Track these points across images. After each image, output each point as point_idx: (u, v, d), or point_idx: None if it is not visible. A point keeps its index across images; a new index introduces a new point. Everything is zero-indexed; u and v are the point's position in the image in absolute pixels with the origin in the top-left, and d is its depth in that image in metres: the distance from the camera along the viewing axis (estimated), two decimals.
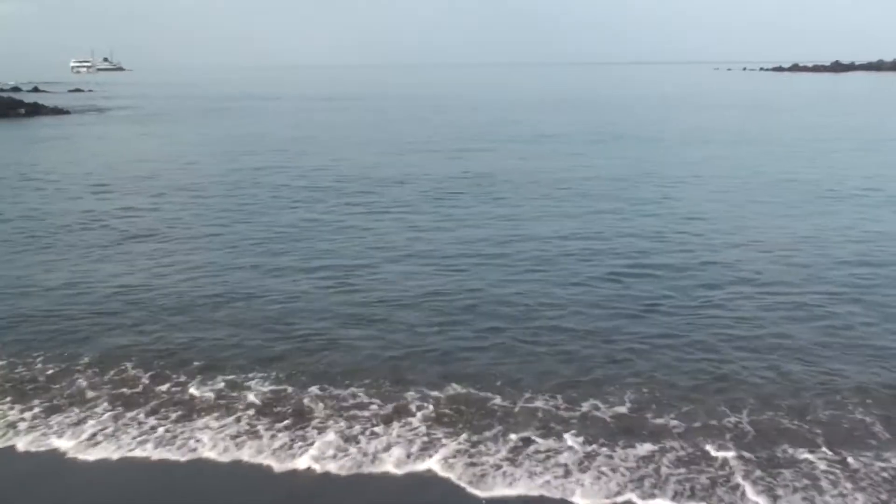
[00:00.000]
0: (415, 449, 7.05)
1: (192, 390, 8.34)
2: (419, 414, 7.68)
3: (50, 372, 8.87)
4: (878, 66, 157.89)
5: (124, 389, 8.38)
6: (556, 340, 9.62)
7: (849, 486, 6.42)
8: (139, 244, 15.01)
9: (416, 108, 59.42)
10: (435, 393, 8.13)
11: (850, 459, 6.78)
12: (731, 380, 8.44)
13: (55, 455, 7.16)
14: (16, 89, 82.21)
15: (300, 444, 7.19)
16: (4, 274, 12.97)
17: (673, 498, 6.29)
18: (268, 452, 7.07)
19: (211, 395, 8.22)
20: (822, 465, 6.70)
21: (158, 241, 15.28)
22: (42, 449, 7.25)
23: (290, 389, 8.30)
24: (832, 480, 6.49)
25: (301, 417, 7.66)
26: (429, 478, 6.66)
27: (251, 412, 7.80)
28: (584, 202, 18.80)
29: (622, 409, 7.71)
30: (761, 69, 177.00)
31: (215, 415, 7.77)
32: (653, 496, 6.32)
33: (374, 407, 7.86)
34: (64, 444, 7.30)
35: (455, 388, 8.22)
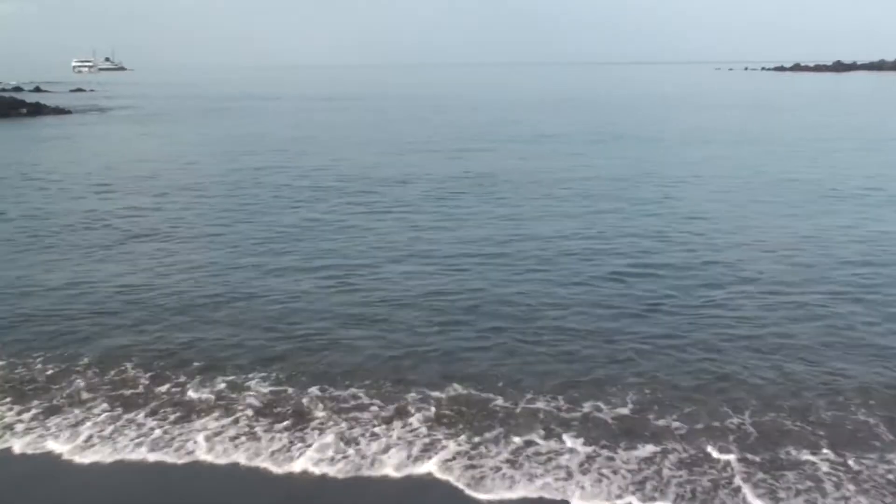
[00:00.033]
0: (414, 451, 7.00)
1: (192, 391, 8.31)
2: (419, 415, 7.64)
3: (49, 372, 8.85)
4: (879, 66, 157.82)
5: (123, 391, 8.35)
6: (557, 340, 9.59)
7: (852, 488, 6.38)
8: (141, 244, 15.00)
9: (416, 108, 59.39)
10: (436, 394, 8.10)
11: (853, 461, 6.74)
12: (733, 380, 8.40)
13: (52, 457, 7.12)
14: (18, 89, 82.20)
15: (299, 445, 7.15)
16: (6, 274, 12.96)
17: (674, 501, 6.25)
18: (266, 455, 7.03)
19: (210, 396, 8.18)
20: (825, 467, 6.66)
21: (160, 240, 15.27)
22: (39, 451, 7.21)
23: (290, 390, 8.26)
24: (835, 483, 6.45)
25: (300, 419, 7.63)
26: (428, 481, 6.62)
27: (250, 413, 7.76)
28: (586, 202, 18.76)
29: (624, 411, 7.68)
30: (763, 69, 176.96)
31: (214, 416, 7.73)
32: (654, 499, 6.28)
33: (374, 408, 7.82)
34: (61, 446, 7.27)
35: (456, 389, 8.19)
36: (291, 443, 7.19)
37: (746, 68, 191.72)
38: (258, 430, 7.46)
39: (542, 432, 7.25)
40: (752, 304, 10.90)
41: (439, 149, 30.04)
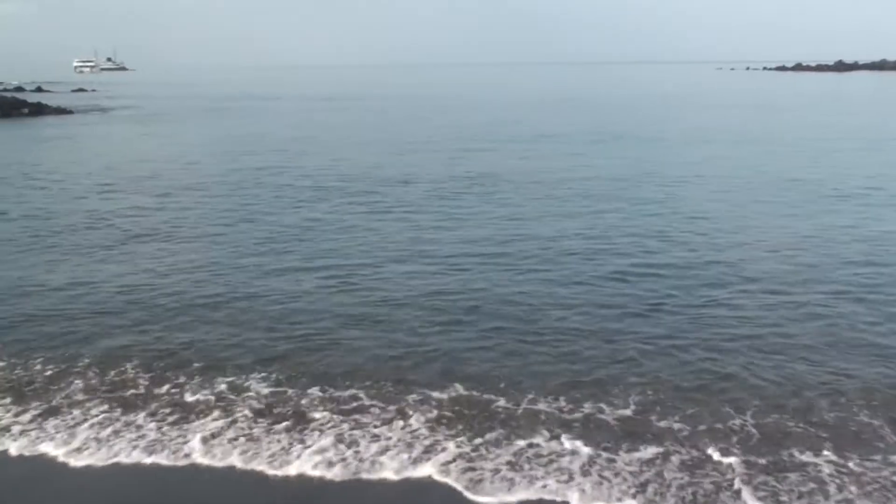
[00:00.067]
0: (414, 454, 6.96)
1: (192, 392, 8.27)
2: (420, 417, 7.60)
3: (49, 373, 8.82)
4: (881, 66, 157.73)
5: (123, 392, 8.31)
6: (559, 341, 9.56)
7: (854, 490, 6.32)
8: (142, 244, 14.98)
9: (416, 107, 59.39)
10: (437, 395, 8.06)
11: (855, 463, 6.69)
12: (735, 380, 8.37)
13: (49, 460, 7.07)
14: (19, 89, 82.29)
15: (298, 447, 7.10)
16: (8, 274, 12.94)
17: None
18: (264, 457, 6.98)
19: (210, 397, 8.14)
20: (828, 469, 6.61)
21: (161, 240, 15.25)
22: (36, 453, 7.16)
23: (290, 391, 8.23)
24: (838, 485, 6.40)
25: (300, 420, 7.59)
26: (427, 483, 6.57)
27: (249, 415, 7.72)
28: (587, 202, 18.73)
29: (626, 412, 7.64)
30: (764, 69, 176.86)
31: (213, 418, 7.69)
32: (654, 502, 6.22)
33: (374, 409, 7.78)
34: (59, 448, 7.21)
35: (457, 390, 8.16)
36: (290, 445, 7.15)
37: (748, 68, 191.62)
38: (257, 432, 7.42)
39: (543, 434, 7.21)
40: (753, 303, 10.88)
41: (440, 149, 30.01)
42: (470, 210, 17.84)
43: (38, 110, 51.03)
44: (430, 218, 17.00)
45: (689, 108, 56.84)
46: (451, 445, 7.04)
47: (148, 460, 6.98)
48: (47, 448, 7.21)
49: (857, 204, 18.06)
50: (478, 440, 7.12)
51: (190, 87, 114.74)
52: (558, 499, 6.30)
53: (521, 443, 7.06)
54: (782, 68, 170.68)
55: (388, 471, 6.73)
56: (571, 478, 6.54)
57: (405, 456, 6.92)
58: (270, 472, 6.76)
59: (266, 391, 8.25)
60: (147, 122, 48.06)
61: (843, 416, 7.55)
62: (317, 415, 7.68)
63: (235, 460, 6.94)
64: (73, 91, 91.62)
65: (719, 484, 6.43)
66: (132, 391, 8.32)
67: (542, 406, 7.76)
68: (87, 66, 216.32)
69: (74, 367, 8.92)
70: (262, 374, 8.64)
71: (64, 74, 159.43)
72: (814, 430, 7.27)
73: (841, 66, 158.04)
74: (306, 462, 6.86)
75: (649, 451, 6.89)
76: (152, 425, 7.55)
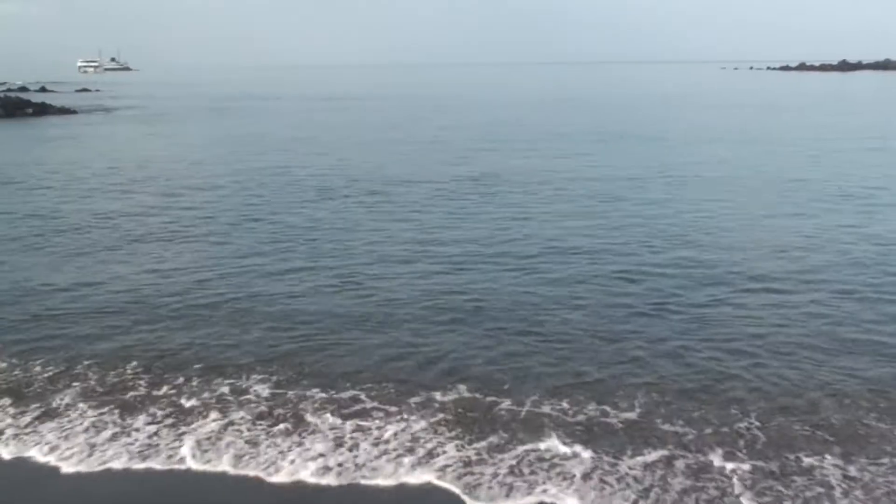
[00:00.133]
0: (414, 458, 6.86)
1: (191, 395, 8.19)
2: (422, 420, 7.53)
3: (49, 375, 8.77)
4: (885, 66, 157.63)
5: (122, 394, 8.24)
6: (564, 341, 9.53)
7: (861, 495, 6.25)
8: (146, 244, 14.98)
9: (417, 108, 59.30)
10: (439, 396, 8.00)
11: (863, 467, 6.61)
12: (741, 382, 8.33)
13: (42, 465, 6.98)
14: (23, 89, 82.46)
15: (296, 452, 7.01)
16: (12, 274, 12.92)
17: None
18: (262, 462, 6.88)
19: (209, 400, 8.06)
20: (834, 474, 6.53)
21: (165, 241, 15.24)
22: (30, 458, 7.07)
23: (290, 393, 8.15)
24: (844, 490, 6.32)
25: (299, 423, 7.51)
26: (428, 489, 6.48)
27: (248, 417, 7.64)
28: (591, 202, 18.70)
29: (631, 415, 7.56)
30: (768, 68, 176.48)
31: (212, 421, 7.61)
32: None
33: (375, 412, 7.72)
34: (53, 453, 7.11)
35: (460, 392, 8.10)
36: (289, 449, 7.06)
37: (752, 67, 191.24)
38: (255, 435, 7.33)
39: (545, 437, 7.13)
40: (758, 303, 10.85)
41: (442, 149, 29.98)
42: (473, 210, 17.82)
43: (42, 110, 51.10)
44: (433, 218, 16.98)
45: (695, 107, 56.53)
46: (451, 449, 6.96)
47: (143, 465, 6.89)
48: (41, 453, 7.12)
49: (862, 204, 17.99)
50: (479, 444, 7.04)
51: (191, 86, 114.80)
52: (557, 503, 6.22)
53: (523, 447, 6.98)
54: (786, 68, 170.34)
55: (387, 476, 6.63)
56: (572, 483, 6.43)
57: (405, 460, 6.83)
58: (267, 477, 6.67)
59: (266, 393, 8.17)
60: (150, 121, 48.07)
61: (850, 418, 7.47)
62: (317, 417, 7.61)
63: (232, 465, 6.84)
64: (77, 91, 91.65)
65: (724, 489, 6.34)
66: (131, 393, 8.25)
67: (545, 408, 7.69)
68: (90, 66, 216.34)
69: (74, 369, 8.87)
70: (263, 376, 8.58)
71: (68, 74, 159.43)
72: (820, 433, 7.19)
73: (845, 66, 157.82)
74: (304, 467, 6.77)
75: (653, 456, 6.79)
76: (149, 429, 7.46)
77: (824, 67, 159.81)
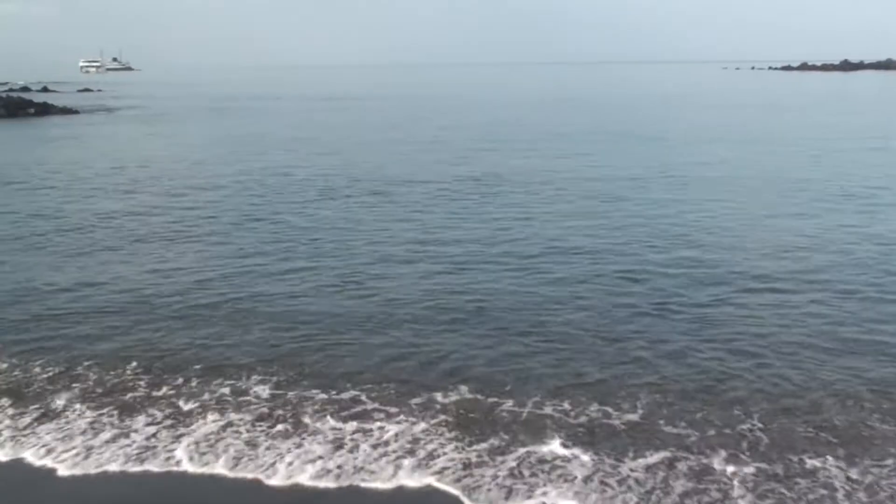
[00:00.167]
0: (414, 460, 6.83)
1: (190, 396, 8.16)
2: (422, 421, 7.49)
3: (48, 375, 8.76)
4: (886, 65, 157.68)
5: (121, 395, 8.22)
6: (565, 342, 9.51)
7: (865, 498, 6.22)
8: (147, 244, 14.98)
9: (417, 108, 59.30)
10: (440, 398, 7.98)
11: (866, 469, 6.58)
12: (744, 382, 8.31)
13: (39, 467, 6.95)
14: (25, 89, 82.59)
15: (295, 454, 6.98)
16: (13, 275, 12.93)
17: None
18: (260, 465, 6.84)
19: (209, 401, 8.03)
20: (838, 476, 6.50)
21: (166, 241, 15.24)
22: (26, 460, 7.04)
23: (290, 394, 8.12)
24: (847, 492, 6.30)
25: (299, 425, 7.47)
26: (428, 491, 6.45)
27: (248, 419, 7.61)
28: (593, 202, 18.67)
29: (633, 416, 7.52)
30: (770, 68, 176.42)
31: (210, 423, 7.57)
32: None
33: (375, 413, 7.69)
34: (50, 455, 7.08)
35: (462, 393, 8.08)
36: (288, 451, 7.02)
37: (753, 67, 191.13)
38: (255, 437, 7.30)
39: (547, 439, 7.10)
40: (761, 303, 10.84)
41: (443, 149, 29.96)
42: (474, 210, 17.80)
43: (44, 110, 51.16)
44: (434, 218, 16.97)
45: (697, 107, 56.46)
46: (452, 451, 6.92)
47: (140, 468, 6.84)
48: (39, 455, 7.08)
49: (864, 204, 17.95)
50: (480, 445, 7.01)
51: (192, 86, 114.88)
52: None
53: (524, 449, 6.95)
54: (788, 68, 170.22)
55: (386, 478, 6.59)
56: (573, 485, 6.38)
57: (404, 462, 6.79)
58: (265, 479, 6.63)
59: (266, 394, 8.14)
60: (152, 121, 48.09)
61: (853, 420, 7.45)
62: (317, 419, 7.57)
63: (230, 467, 6.80)
64: (79, 91, 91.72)
65: (726, 492, 6.29)
66: (130, 394, 8.23)
67: (547, 410, 7.66)
68: (92, 67, 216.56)
69: (74, 370, 8.86)
70: (263, 376, 8.56)
71: (69, 74, 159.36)
72: (823, 434, 7.16)
73: (847, 66, 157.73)
74: (303, 469, 6.72)
75: (655, 458, 6.74)
76: (147, 430, 7.42)
77: (826, 67, 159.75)
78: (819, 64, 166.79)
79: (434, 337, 9.77)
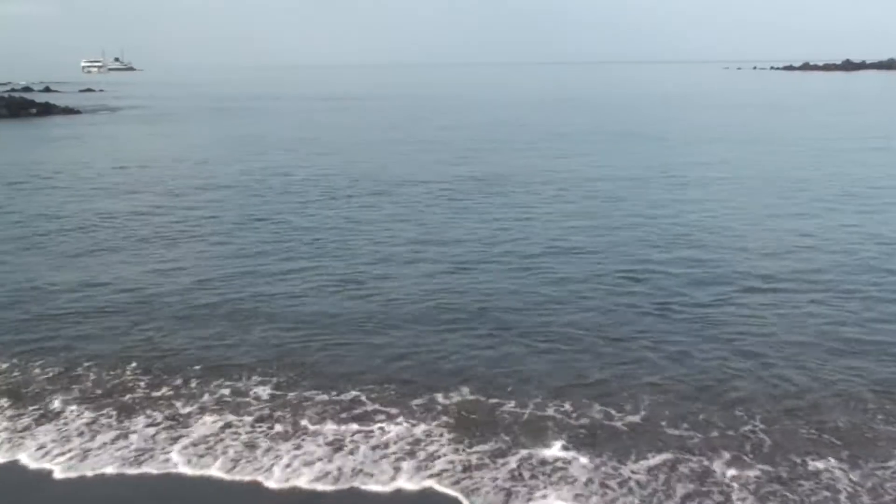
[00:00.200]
0: (414, 461, 6.80)
1: (189, 397, 8.13)
2: (423, 423, 7.46)
3: (48, 376, 8.75)
4: (888, 65, 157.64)
5: (120, 396, 8.19)
6: (567, 343, 9.48)
7: (868, 500, 6.18)
8: (148, 244, 14.96)
9: (417, 108, 59.29)
10: (441, 399, 7.95)
11: (870, 471, 6.55)
12: (746, 383, 8.28)
13: (36, 470, 6.91)
14: (27, 89, 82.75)
15: (295, 454, 6.95)
16: (15, 275, 12.91)
17: None
18: (259, 467, 6.79)
19: (208, 403, 7.99)
20: (841, 478, 6.47)
21: (168, 241, 15.22)
22: (23, 463, 7.01)
23: (290, 395, 8.09)
24: (850, 494, 6.26)
25: (298, 427, 7.43)
26: (427, 493, 6.42)
27: (247, 420, 7.57)
28: (594, 202, 18.64)
29: (635, 418, 7.49)
30: (772, 68, 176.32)
31: (209, 424, 7.53)
32: None
33: (376, 414, 7.66)
34: (47, 457, 7.04)
35: (463, 394, 8.05)
36: (287, 452, 6.99)
37: (755, 67, 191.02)
38: (254, 438, 7.26)
39: (548, 441, 7.06)
40: (763, 303, 10.81)
41: (443, 149, 29.93)
42: (475, 210, 17.77)
43: (46, 110, 51.24)
44: (435, 218, 16.94)
45: (699, 107, 56.35)
46: (452, 453, 6.89)
47: (138, 470, 6.80)
48: (36, 457, 7.04)
49: (866, 204, 17.91)
50: (480, 447, 6.97)
51: (193, 87, 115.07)
52: None
53: (525, 450, 6.91)
54: (790, 68, 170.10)
55: (385, 481, 6.55)
56: (573, 488, 6.34)
57: (404, 465, 6.75)
58: (264, 482, 6.60)
59: (266, 395, 8.11)
60: (154, 121, 48.14)
61: (857, 421, 7.41)
62: (316, 420, 7.53)
63: (228, 470, 6.76)
64: (81, 91, 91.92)
65: (728, 494, 6.25)
66: (129, 395, 8.20)
67: (549, 411, 7.62)
68: (94, 67, 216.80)
69: (74, 370, 8.84)
70: (263, 377, 8.53)
71: (70, 75, 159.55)
72: (827, 436, 7.13)
73: (848, 66, 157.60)
74: (301, 472, 6.69)
75: (657, 459, 6.70)
76: (145, 432, 7.38)
77: (828, 67, 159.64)
78: (821, 64, 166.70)
79: (435, 337, 9.75)
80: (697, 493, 6.31)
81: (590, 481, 6.47)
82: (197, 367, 8.88)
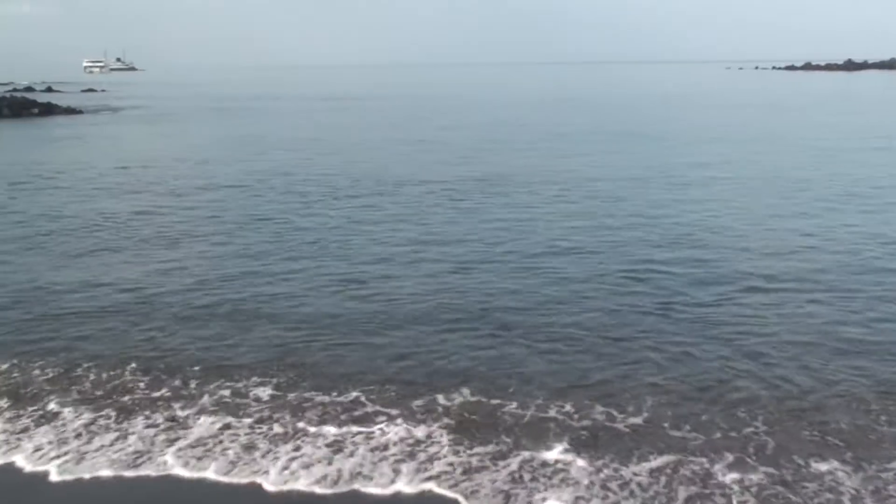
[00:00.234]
0: (414, 463, 6.76)
1: (188, 399, 8.10)
2: (423, 424, 7.42)
3: (48, 377, 8.72)
4: (890, 65, 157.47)
5: (119, 397, 8.16)
6: (569, 343, 9.45)
7: (872, 503, 6.14)
8: (150, 245, 14.94)
9: (417, 108, 59.25)
10: (442, 400, 7.92)
11: (874, 474, 6.50)
12: (749, 384, 8.25)
13: (32, 472, 6.87)
14: (29, 89, 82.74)
15: (294, 456, 6.92)
16: (14, 274, 12.91)
17: None
18: (259, 468, 6.77)
19: (208, 404, 7.96)
20: (845, 480, 6.43)
21: (169, 241, 15.20)
22: (20, 465, 6.96)
23: (290, 396, 8.07)
24: (854, 496, 6.23)
25: (298, 428, 7.40)
26: (427, 496, 6.39)
27: (247, 421, 7.54)
28: (595, 202, 18.60)
29: (637, 419, 7.45)
30: (774, 68, 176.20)
31: (209, 426, 7.50)
32: None
33: (376, 416, 7.63)
34: (44, 459, 7.01)
35: (464, 395, 8.02)
36: (286, 454, 6.95)
37: (756, 67, 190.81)
38: (253, 440, 7.23)
39: (549, 442, 7.02)
40: (765, 303, 10.78)
41: (444, 149, 29.90)
42: (476, 210, 17.74)
43: (48, 110, 51.26)
44: (436, 218, 16.90)
45: (700, 107, 56.28)
46: (452, 455, 6.85)
47: (135, 472, 6.76)
48: (32, 459, 7.01)
49: (868, 203, 17.86)
50: (481, 448, 6.94)
51: (193, 87, 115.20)
52: None
53: (526, 452, 6.87)
54: (791, 67, 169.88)
55: (385, 483, 6.52)
56: (574, 490, 6.30)
57: (403, 467, 6.72)
58: (262, 484, 6.57)
59: (266, 396, 8.08)
60: (155, 121, 48.14)
61: (861, 422, 7.37)
62: (316, 422, 7.50)
63: (226, 472, 6.73)
64: (83, 91, 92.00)
65: (731, 497, 6.22)
66: (129, 396, 8.17)
67: (551, 412, 7.59)
68: (96, 67, 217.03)
69: (74, 371, 8.82)
70: (264, 378, 8.50)
71: (72, 75, 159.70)
72: (830, 437, 7.09)
73: (850, 66, 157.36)
74: (300, 474, 6.65)
75: (659, 461, 6.66)
76: (144, 434, 7.34)
77: (830, 67, 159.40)
78: (823, 64, 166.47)
79: (436, 338, 9.72)
80: (699, 496, 6.27)
81: (591, 484, 6.43)
82: (197, 368, 8.85)
